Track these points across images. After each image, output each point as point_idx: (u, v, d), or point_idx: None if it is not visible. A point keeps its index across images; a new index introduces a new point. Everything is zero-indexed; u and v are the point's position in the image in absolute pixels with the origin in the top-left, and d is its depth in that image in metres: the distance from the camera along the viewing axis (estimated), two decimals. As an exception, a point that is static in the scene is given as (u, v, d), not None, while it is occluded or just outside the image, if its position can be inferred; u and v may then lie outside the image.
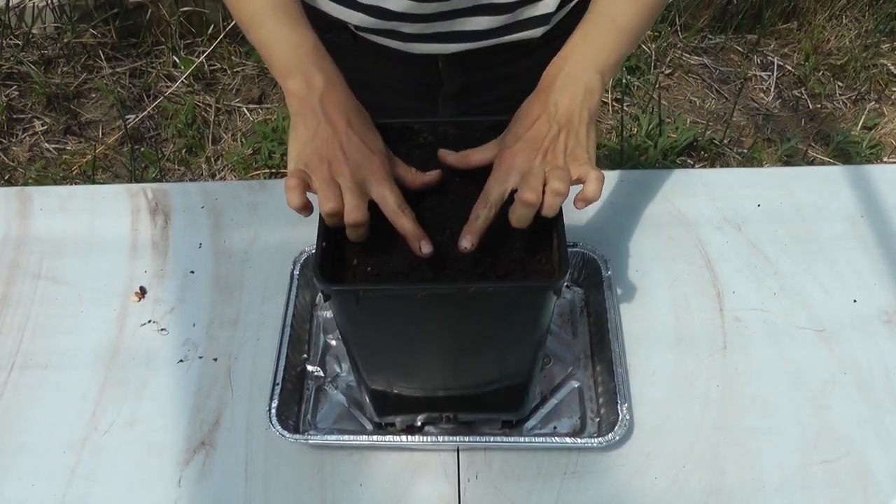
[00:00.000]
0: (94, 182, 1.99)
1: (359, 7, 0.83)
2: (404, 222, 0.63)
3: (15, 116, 2.17)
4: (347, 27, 0.88)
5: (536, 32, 0.87)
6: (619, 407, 0.78)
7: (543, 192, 0.62)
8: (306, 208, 0.63)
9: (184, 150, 2.12)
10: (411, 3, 0.80)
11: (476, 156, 0.68)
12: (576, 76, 0.67)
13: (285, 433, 0.77)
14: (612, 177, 1.04)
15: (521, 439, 0.78)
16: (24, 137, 2.14)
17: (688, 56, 2.42)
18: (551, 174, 0.62)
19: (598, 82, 0.67)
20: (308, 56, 0.67)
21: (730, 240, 0.97)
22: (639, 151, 2.11)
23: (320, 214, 0.64)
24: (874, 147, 2.16)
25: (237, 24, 0.73)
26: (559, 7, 0.85)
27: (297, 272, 0.90)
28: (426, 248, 0.62)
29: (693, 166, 2.12)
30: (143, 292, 0.92)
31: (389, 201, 0.64)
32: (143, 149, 2.12)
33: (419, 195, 0.69)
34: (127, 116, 2.17)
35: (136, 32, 2.35)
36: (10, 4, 2.30)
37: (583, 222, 0.99)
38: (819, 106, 2.31)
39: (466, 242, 0.62)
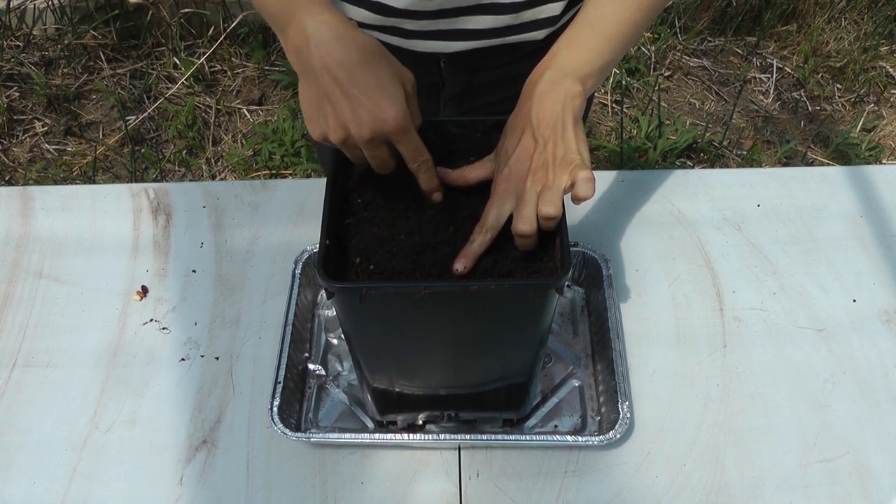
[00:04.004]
0: (94, 183, 1.99)
1: (362, 3, 0.83)
2: (422, 177, 0.66)
3: (15, 117, 2.18)
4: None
5: (539, 34, 0.87)
6: (619, 406, 0.79)
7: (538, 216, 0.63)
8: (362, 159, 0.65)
9: (184, 152, 2.12)
10: (415, 0, 0.80)
11: (473, 173, 0.69)
12: (555, 83, 0.67)
13: (287, 431, 0.77)
14: (612, 177, 1.04)
15: (523, 438, 0.79)
16: (25, 138, 2.14)
17: (687, 58, 2.43)
18: (541, 198, 0.63)
19: (579, 88, 0.66)
20: (299, 5, 0.62)
21: (730, 240, 0.98)
22: (638, 153, 2.11)
23: (322, 212, 0.65)
24: (873, 149, 2.16)
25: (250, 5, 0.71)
26: (565, 10, 0.86)
27: (298, 271, 0.90)
28: (437, 197, 0.68)
29: (693, 168, 2.12)
30: (144, 291, 0.93)
31: (407, 157, 0.65)
32: (143, 150, 2.12)
33: (422, 193, 0.69)
34: (127, 117, 2.18)
35: (137, 34, 2.35)
36: (11, 6, 2.30)
37: (583, 222, 0.99)
38: (818, 108, 2.32)
39: (460, 265, 0.63)
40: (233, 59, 2.35)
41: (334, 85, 0.60)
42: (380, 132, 0.61)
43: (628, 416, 0.78)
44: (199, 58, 2.32)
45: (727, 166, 2.13)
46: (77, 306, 0.92)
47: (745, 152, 2.16)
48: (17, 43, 2.31)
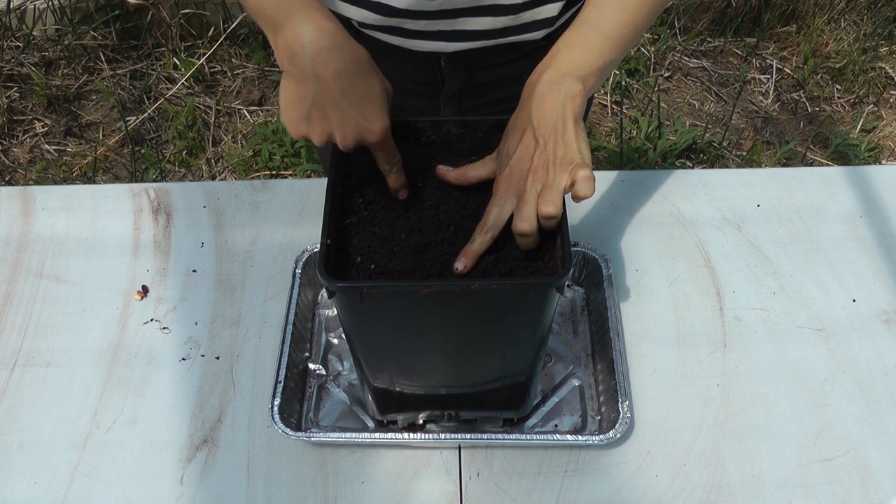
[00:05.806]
0: (94, 183, 1.99)
1: (363, 3, 0.83)
2: (392, 177, 0.68)
3: (16, 118, 2.18)
4: (351, 24, 0.88)
5: (538, 35, 0.88)
6: (619, 405, 0.79)
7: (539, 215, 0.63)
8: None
9: (184, 152, 2.12)
10: (415, 0, 0.81)
11: (474, 172, 0.70)
12: (555, 82, 0.67)
13: (287, 431, 0.77)
14: (612, 177, 1.04)
15: (523, 437, 0.79)
16: (25, 139, 2.14)
17: (687, 59, 2.43)
18: (541, 197, 0.63)
19: (579, 87, 0.66)
20: (297, 7, 0.62)
21: (730, 240, 0.98)
22: (638, 154, 2.11)
23: (323, 212, 0.65)
24: (873, 150, 2.16)
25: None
26: (563, 11, 0.86)
27: (298, 271, 0.90)
28: (403, 194, 0.69)
29: (692, 168, 2.13)
30: (145, 291, 0.93)
31: (381, 161, 0.68)
32: (143, 150, 2.12)
33: (423, 192, 0.70)
34: (127, 118, 2.18)
35: (137, 34, 2.35)
36: (11, 6, 2.30)
37: (583, 222, 0.99)
38: (818, 109, 2.32)
39: (460, 265, 0.64)
40: (233, 59, 2.36)
41: (326, 94, 0.62)
42: (362, 142, 0.65)
43: (628, 415, 0.78)
44: (199, 58, 2.32)
45: (727, 167, 2.13)
46: (78, 306, 0.92)
47: (744, 153, 2.16)
48: (18, 43, 2.31)
